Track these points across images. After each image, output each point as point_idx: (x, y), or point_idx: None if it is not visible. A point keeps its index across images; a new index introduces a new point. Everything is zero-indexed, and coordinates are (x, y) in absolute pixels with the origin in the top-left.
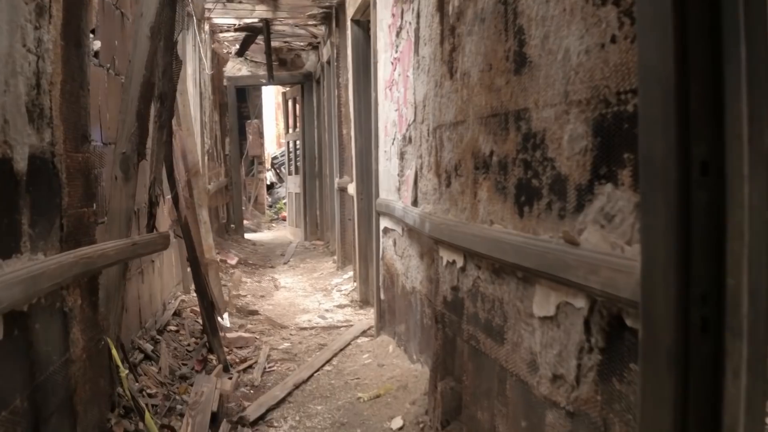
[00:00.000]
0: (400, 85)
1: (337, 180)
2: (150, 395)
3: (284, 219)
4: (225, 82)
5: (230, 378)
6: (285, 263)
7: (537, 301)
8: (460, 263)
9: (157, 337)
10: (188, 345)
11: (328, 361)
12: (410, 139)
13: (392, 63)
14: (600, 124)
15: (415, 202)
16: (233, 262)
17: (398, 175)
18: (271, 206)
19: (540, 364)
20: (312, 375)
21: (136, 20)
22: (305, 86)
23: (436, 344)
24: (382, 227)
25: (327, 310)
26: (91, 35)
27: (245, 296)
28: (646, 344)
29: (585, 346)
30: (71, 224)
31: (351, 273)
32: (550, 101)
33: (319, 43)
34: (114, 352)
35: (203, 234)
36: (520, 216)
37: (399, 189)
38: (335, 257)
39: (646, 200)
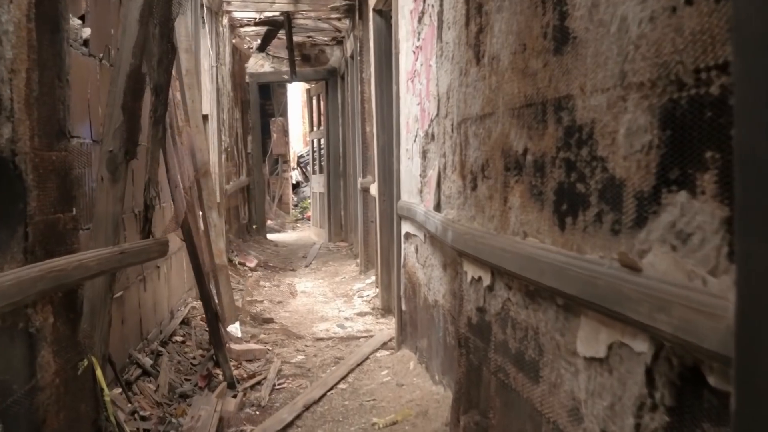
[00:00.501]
0: (422, 76)
1: (360, 180)
2: (143, 418)
3: (309, 219)
4: (247, 79)
5: (234, 396)
6: (306, 266)
7: (582, 336)
8: (487, 281)
9: (160, 349)
10: (194, 358)
11: (343, 378)
12: (433, 135)
13: (414, 52)
14: (670, 113)
15: (437, 207)
16: (252, 264)
17: (420, 175)
18: (296, 205)
19: (585, 415)
20: (325, 394)
21: (124, 3)
22: (330, 82)
23: (459, 371)
24: (403, 232)
25: (347, 319)
26: (81, 22)
27: (262, 302)
28: (744, 417)
29: (647, 402)
30: (40, 232)
31: (374, 278)
32: (601, 85)
33: (343, 37)
34: (99, 372)
35: (213, 237)
36: (560, 229)
37: (421, 191)
38: (358, 260)
39: (744, 216)
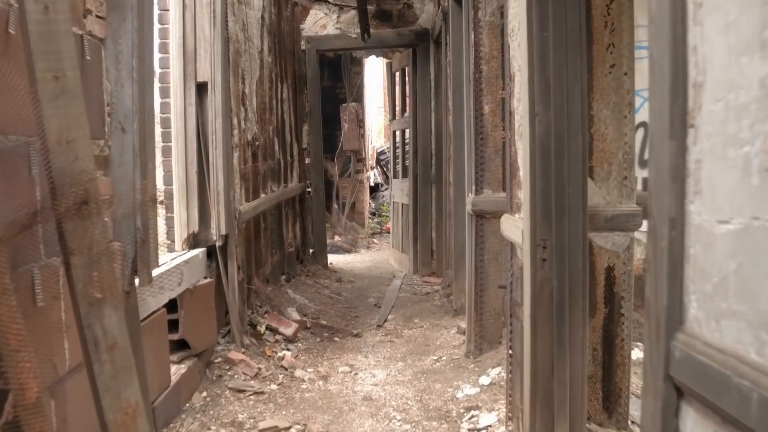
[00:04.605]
0: None
1: (470, 197)
2: None
3: (389, 230)
4: (303, 46)
5: None
6: (379, 326)
7: None
8: None
9: None
10: None
11: None
12: None
13: None
14: None
15: None
16: (290, 331)
17: None
18: (374, 214)
19: None
20: None
21: None
22: (418, 50)
23: None
24: None
25: None
26: None
27: (288, 430)
28: None
29: None
30: None
31: (494, 372)
32: None
33: None
34: None
35: (105, 383)
36: None
37: None
38: (461, 324)
39: None
